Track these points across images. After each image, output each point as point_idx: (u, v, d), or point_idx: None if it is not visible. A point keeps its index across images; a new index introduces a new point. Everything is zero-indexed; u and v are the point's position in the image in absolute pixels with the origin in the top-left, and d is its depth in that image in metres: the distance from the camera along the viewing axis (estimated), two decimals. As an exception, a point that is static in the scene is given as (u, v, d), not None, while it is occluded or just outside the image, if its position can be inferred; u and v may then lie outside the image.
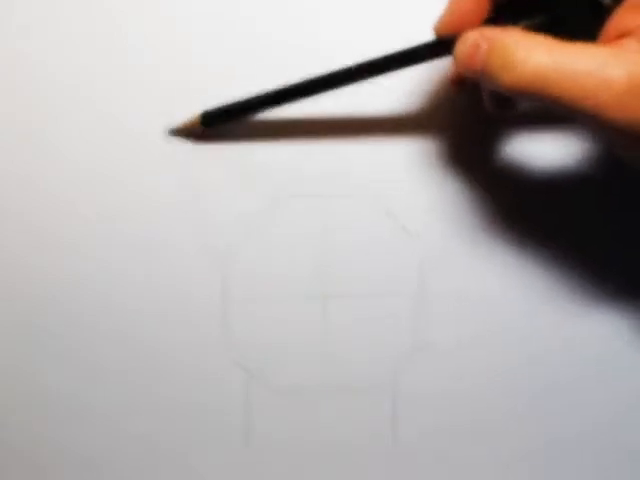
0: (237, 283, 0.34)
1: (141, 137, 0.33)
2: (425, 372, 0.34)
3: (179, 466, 0.34)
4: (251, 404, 0.34)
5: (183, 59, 0.33)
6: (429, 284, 0.34)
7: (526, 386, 0.35)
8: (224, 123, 0.33)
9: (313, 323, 0.34)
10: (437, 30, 0.28)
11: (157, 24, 0.33)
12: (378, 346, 0.34)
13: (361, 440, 0.35)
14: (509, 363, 0.35)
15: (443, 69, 0.33)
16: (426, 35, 0.29)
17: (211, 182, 0.33)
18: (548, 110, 0.25)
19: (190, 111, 0.32)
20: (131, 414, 0.33)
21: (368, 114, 0.34)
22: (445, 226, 0.34)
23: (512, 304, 0.35)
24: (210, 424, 0.34)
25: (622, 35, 0.25)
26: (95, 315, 0.33)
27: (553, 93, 0.24)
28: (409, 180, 0.34)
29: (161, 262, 0.33)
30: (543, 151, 0.34)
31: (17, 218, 0.32)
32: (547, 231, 0.35)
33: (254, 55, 0.33)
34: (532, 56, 0.24)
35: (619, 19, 0.26)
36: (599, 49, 0.24)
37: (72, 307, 0.33)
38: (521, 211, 0.35)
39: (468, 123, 0.34)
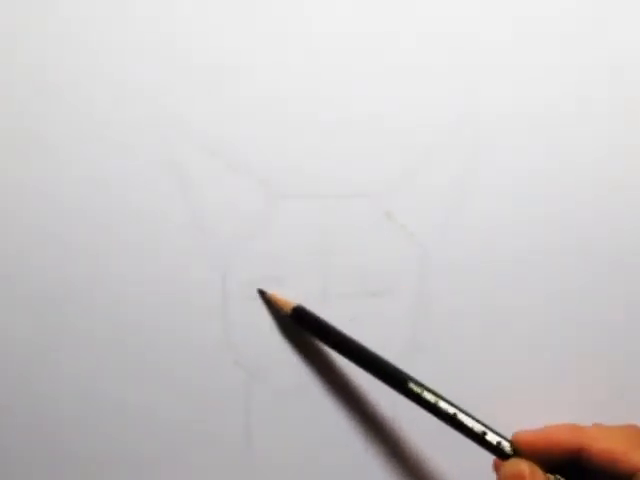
0: (237, 283, 0.34)
1: (141, 137, 0.33)
2: (425, 372, 0.34)
3: (179, 466, 0.34)
4: (251, 404, 0.34)
5: (182, 60, 0.33)
6: (429, 284, 0.34)
7: (527, 385, 0.35)
8: (305, 329, 0.33)
9: (313, 323, 0.34)
10: (516, 439, 0.31)
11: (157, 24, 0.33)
12: (378, 346, 0.34)
13: (361, 440, 0.35)
14: (509, 363, 0.35)
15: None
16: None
17: (211, 182, 0.33)
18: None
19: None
20: (131, 414, 0.33)
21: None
22: (445, 226, 0.34)
23: (512, 304, 0.35)
24: (210, 424, 0.34)
25: None
26: (95, 315, 0.33)
27: None
28: (409, 180, 0.34)
29: (161, 262, 0.33)
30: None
31: (18, 219, 0.32)
32: (548, 232, 0.35)
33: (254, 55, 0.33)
34: None
35: None
36: None
37: (72, 307, 0.33)
38: (522, 212, 0.35)
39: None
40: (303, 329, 0.33)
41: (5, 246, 0.32)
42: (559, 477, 0.30)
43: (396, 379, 0.31)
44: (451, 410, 0.30)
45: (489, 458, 0.31)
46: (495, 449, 0.30)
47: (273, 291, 0.34)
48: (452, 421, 0.30)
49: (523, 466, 0.30)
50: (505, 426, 0.34)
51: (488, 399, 0.34)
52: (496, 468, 0.32)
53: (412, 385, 0.31)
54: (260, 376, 0.34)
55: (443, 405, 0.30)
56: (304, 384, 0.34)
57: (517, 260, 0.35)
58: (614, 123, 0.35)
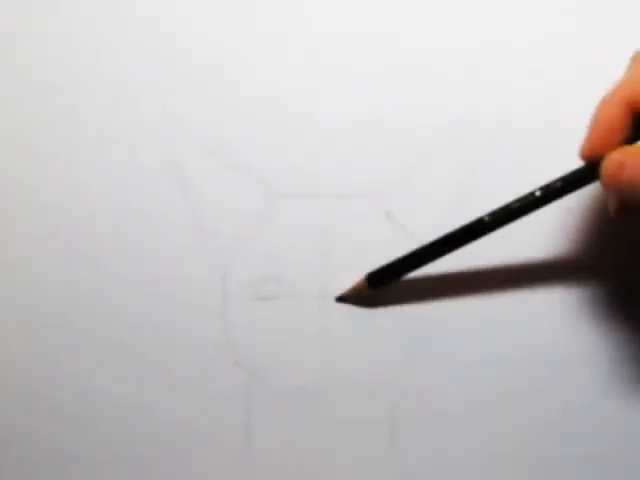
0: (237, 283, 0.34)
1: (141, 137, 0.33)
2: (425, 372, 0.34)
3: (179, 466, 0.34)
4: (251, 404, 0.34)
5: (182, 60, 0.33)
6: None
7: (526, 386, 0.35)
8: (389, 283, 0.33)
9: (313, 323, 0.34)
10: (583, 153, 0.29)
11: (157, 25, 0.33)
12: (378, 346, 0.34)
13: (361, 440, 0.34)
14: (510, 363, 0.35)
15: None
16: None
17: (211, 182, 0.33)
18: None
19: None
20: (131, 414, 0.33)
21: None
22: (445, 226, 0.34)
23: (512, 304, 0.35)
24: (210, 424, 0.34)
25: None
26: (94, 315, 0.33)
27: None
28: (409, 180, 0.34)
29: (161, 262, 0.33)
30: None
31: (17, 219, 0.32)
32: (548, 232, 0.35)
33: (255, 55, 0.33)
34: None
35: None
36: None
37: (71, 307, 0.33)
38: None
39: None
40: (386, 284, 0.33)
41: (5, 246, 0.32)
42: None
43: (472, 233, 0.31)
44: (523, 202, 0.30)
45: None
46: (579, 180, 0.30)
47: (343, 290, 0.34)
48: (531, 207, 0.30)
49: (613, 157, 0.28)
50: (505, 426, 0.34)
51: (488, 399, 0.34)
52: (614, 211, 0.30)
53: (485, 220, 0.31)
54: (260, 376, 0.34)
55: (515, 205, 0.30)
56: (304, 384, 0.34)
57: (517, 259, 0.35)
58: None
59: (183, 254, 0.33)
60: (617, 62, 0.35)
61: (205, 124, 0.33)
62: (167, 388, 0.33)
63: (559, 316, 0.34)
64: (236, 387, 0.34)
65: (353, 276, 0.34)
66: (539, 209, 0.31)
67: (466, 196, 0.34)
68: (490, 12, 0.34)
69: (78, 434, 0.33)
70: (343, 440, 0.34)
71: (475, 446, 0.34)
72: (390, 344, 0.34)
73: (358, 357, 0.34)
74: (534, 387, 0.34)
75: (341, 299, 0.34)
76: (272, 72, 0.33)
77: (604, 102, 0.29)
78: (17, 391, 0.33)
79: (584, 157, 0.30)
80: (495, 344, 0.34)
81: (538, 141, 0.34)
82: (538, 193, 0.30)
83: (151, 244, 0.33)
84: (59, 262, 0.32)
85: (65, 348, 0.33)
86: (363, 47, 0.33)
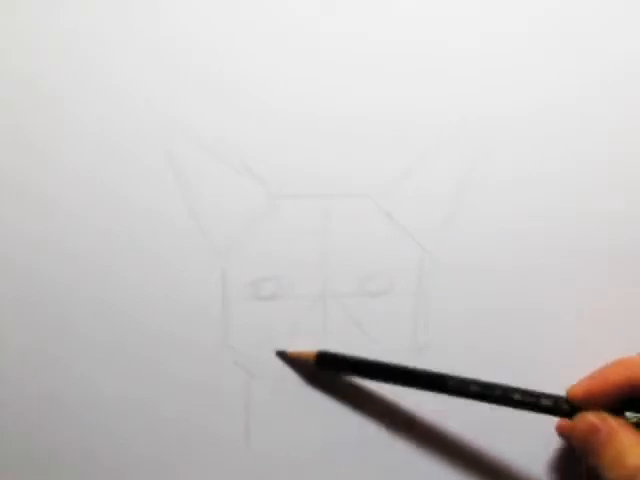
0: (237, 283, 0.34)
1: (141, 137, 0.33)
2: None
3: (179, 466, 0.34)
4: (251, 404, 0.34)
5: (183, 60, 0.33)
6: (429, 284, 0.34)
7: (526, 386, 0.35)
8: (335, 372, 0.34)
9: (313, 323, 0.34)
10: (572, 394, 0.31)
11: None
12: (378, 346, 0.34)
13: (361, 440, 0.35)
14: (509, 362, 0.35)
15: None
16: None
17: (211, 182, 0.33)
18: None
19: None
20: (131, 414, 0.33)
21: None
22: (445, 226, 0.34)
23: (512, 304, 0.35)
24: (210, 424, 0.34)
25: None
26: (94, 316, 0.33)
27: None
28: (409, 180, 0.34)
29: (161, 262, 0.33)
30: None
31: (16, 219, 0.32)
32: (548, 232, 0.35)
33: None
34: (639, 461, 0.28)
35: None
36: None
37: (71, 308, 0.33)
38: (522, 212, 0.35)
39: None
40: (332, 370, 0.34)
41: (5, 245, 0.32)
42: (631, 414, 0.30)
43: (435, 383, 0.32)
44: (498, 392, 0.31)
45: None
46: (554, 410, 0.30)
47: (290, 349, 0.34)
48: (503, 401, 0.31)
49: (590, 418, 0.30)
50: (504, 426, 0.34)
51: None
52: (561, 430, 0.32)
53: (452, 383, 0.31)
54: (260, 376, 0.34)
55: (489, 391, 0.31)
56: (304, 384, 0.34)
57: (517, 260, 0.35)
58: (615, 123, 0.35)
59: (183, 254, 0.33)
60: (617, 62, 0.35)
61: (205, 124, 0.33)
62: (167, 388, 0.33)
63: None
64: (236, 387, 0.34)
65: (353, 276, 0.34)
66: (503, 406, 0.31)
67: (466, 196, 0.34)
68: (490, 12, 0.34)
69: (78, 434, 0.33)
70: (343, 440, 0.35)
71: (474, 446, 0.34)
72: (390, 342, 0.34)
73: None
74: None
75: (281, 354, 0.34)
76: (272, 72, 0.33)
77: (619, 363, 0.31)
78: (17, 390, 0.33)
79: (570, 396, 0.31)
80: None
81: (538, 141, 0.35)
82: (516, 396, 0.31)
83: (151, 244, 0.33)
84: (58, 263, 0.32)
85: (65, 348, 0.33)
86: (363, 47, 0.33)
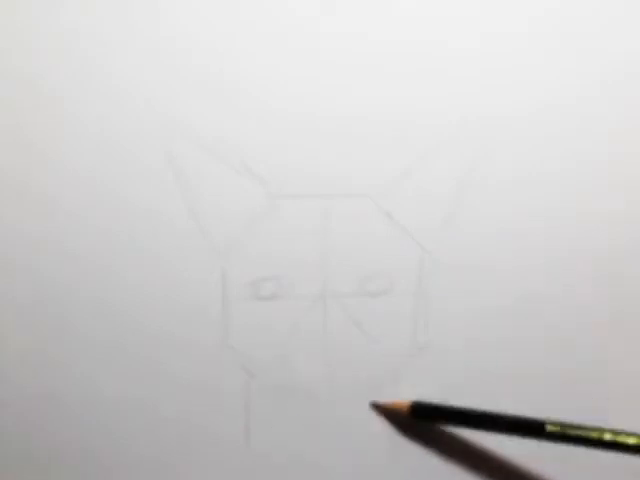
0: (237, 283, 0.34)
1: (141, 137, 0.33)
2: (425, 372, 0.34)
3: (179, 466, 0.34)
4: (251, 404, 0.34)
5: (183, 60, 0.33)
6: (429, 284, 0.34)
7: (526, 386, 0.35)
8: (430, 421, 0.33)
9: (313, 323, 0.34)
10: None
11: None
12: (378, 346, 0.34)
13: (361, 440, 0.35)
14: (509, 362, 0.35)
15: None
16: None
17: (211, 182, 0.33)
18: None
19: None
20: (131, 414, 0.33)
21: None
22: (445, 226, 0.34)
23: (512, 304, 0.35)
24: (210, 424, 0.34)
25: None
26: (94, 316, 0.33)
27: None
28: (409, 180, 0.34)
29: (161, 262, 0.33)
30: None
31: (16, 219, 0.32)
32: (548, 232, 0.35)
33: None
34: None
35: None
36: None
37: (71, 309, 0.33)
38: (522, 211, 0.35)
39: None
40: (426, 421, 0.34)
41: (5, 245, 0.32)
42: None
43: (533, 428, 0.31)
44: (607, 437, 0.29)
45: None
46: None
47: (384, 400, 0.34)
48: (608, 446, 0.29)
49: None
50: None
51: (490, 398, 0.35)
52: None
53: (550, 427, 0.30)
54: (260, 376, 0.34)
55: (594, 434, 0.29)
56: (304, 384, 0.34)
57: (517, 260, 0.35)
58: (615, 123, 0.35)
59: (182, 254, 0.33)
60: (617, 62, 0.35)
61: (205, 124, 0.33)
62: (167, 388, 0.33)
63: None
64: (236, 387, 0.34)
65: (353, 276, 0.34)
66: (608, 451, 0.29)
67: (466, 196, 0.34)
68: (490, 12, 0.34)
69: (78, 434, 0.33)
70: (342, 440, 0.35)
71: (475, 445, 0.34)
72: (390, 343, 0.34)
73: (358, 357, 0.34)
74: None
75: (376, 406, 0.34)
76: (272, 72, 0.33)
77: None
78: (17, 390, 0.33)
79: None
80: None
81: (538, 141, 0.35)
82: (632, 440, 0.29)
83: (151, 244, 0.33)
84: (58, 263, 0.32)
85: (65, 348, 0.33)
86: (363, 47, 0.33)
